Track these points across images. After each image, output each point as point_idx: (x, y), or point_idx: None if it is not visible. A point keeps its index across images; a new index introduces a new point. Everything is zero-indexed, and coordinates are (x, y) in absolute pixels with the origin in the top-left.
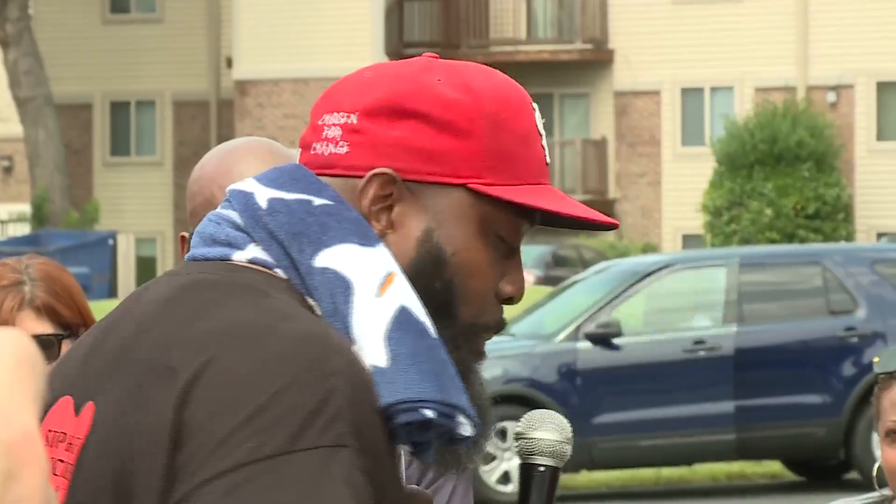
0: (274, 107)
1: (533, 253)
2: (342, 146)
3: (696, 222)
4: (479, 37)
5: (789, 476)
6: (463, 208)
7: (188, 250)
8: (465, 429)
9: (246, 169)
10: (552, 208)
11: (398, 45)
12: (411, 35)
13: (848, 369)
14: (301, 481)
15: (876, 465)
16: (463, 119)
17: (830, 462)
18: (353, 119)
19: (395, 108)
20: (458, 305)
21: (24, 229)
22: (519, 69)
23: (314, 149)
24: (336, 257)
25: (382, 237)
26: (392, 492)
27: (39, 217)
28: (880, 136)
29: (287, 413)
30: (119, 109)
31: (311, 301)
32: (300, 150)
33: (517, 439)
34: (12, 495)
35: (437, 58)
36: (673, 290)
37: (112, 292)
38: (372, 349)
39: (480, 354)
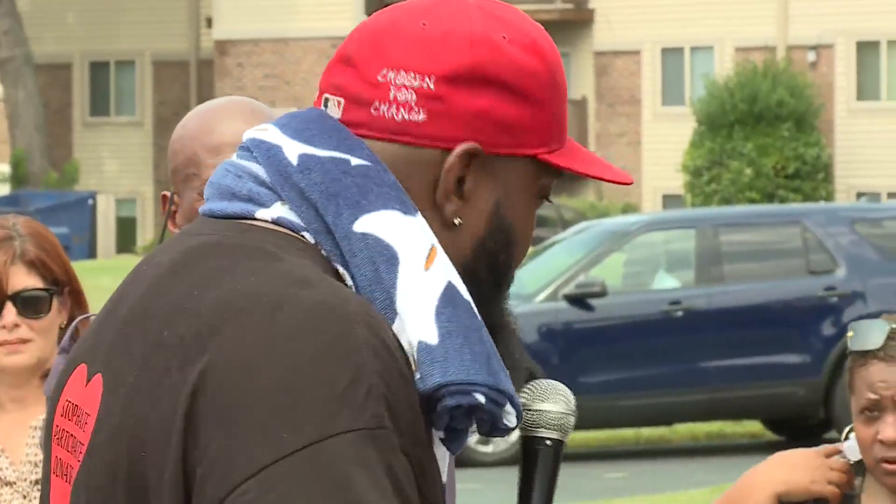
0: (254, 67)
1: None
2: (417, 113)
3: (676, 182)
4: None
5: (769, 436)
6: (528, 179)
7: (168, 210)
8: (511, 419)
9: (228, 128)
10: (606, 176)
11: (378, 4)
12: None
13: (828, 329)
14: (340, 469)
15: (846, 430)
16: (537, 87)
17: (810, 421)
18: (430, 84)
19: (476, 76)
20: (513, 275)
21: (3, 189)
22: None
23: (377, 108)
24: (378, 223)
25: (454, 212)
26: (430, 479)
27: (18, 177)
28: (860, 95)
29: (317, 395)
30: (99, 69)
31: (338, 267)
32: (332, 96)
33: None
34: None
35: None
36: (653, 251)
37: (91, 253)
38: (420, 325)
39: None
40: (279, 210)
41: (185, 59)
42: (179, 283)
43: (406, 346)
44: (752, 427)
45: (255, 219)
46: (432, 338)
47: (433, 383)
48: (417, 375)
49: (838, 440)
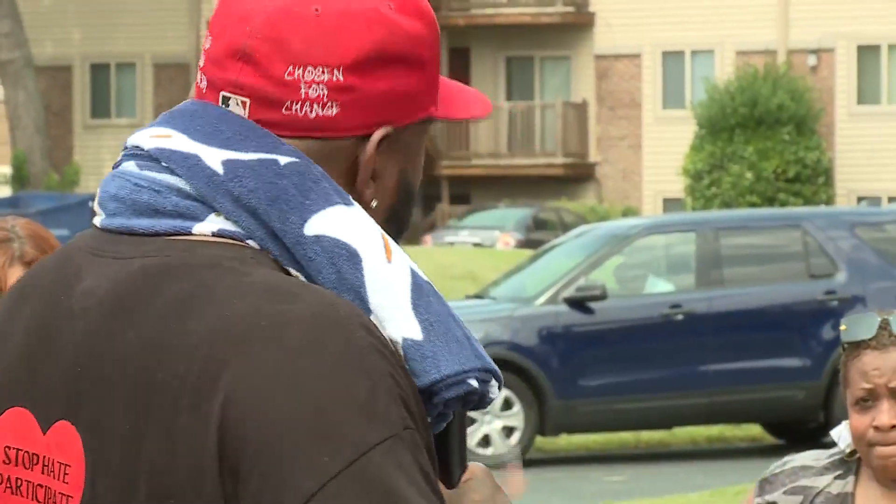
0: None
1: (514, 216)
2: (331, 107)
3: (676, 186)
4: None
5: (769, 439)
6: (422, 138)
7: None
8: (494, 390)
9: None
10: (478, 113)
11: None
12: None
13: (828, 333)
14: (384, 479)
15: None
16: (426, 50)
17: (810, 425)
18: (339, 76)
19: (379, 57)
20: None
21: (3, 191)
22: (500, 32)
23: (290, 108)
24: (328, 223)
25: (371, 195)
26: (436, 463)
27: (19, 179)
28: (861, 99)
29: (343, 411)
30: (99, 71)
31: (291, 271)
32: (234, 95)
33: None
34: None
35: None
36: (653, 254)
37: None
38: (401, 321)
39: None
40: (217, 222)
41: (186, 61)
42: (141, 316)
43: (375, 330)
44: (752, 431)
45: (190, 234)
46: (416, 333)
47: (429, 380)
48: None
49: (836, 444)
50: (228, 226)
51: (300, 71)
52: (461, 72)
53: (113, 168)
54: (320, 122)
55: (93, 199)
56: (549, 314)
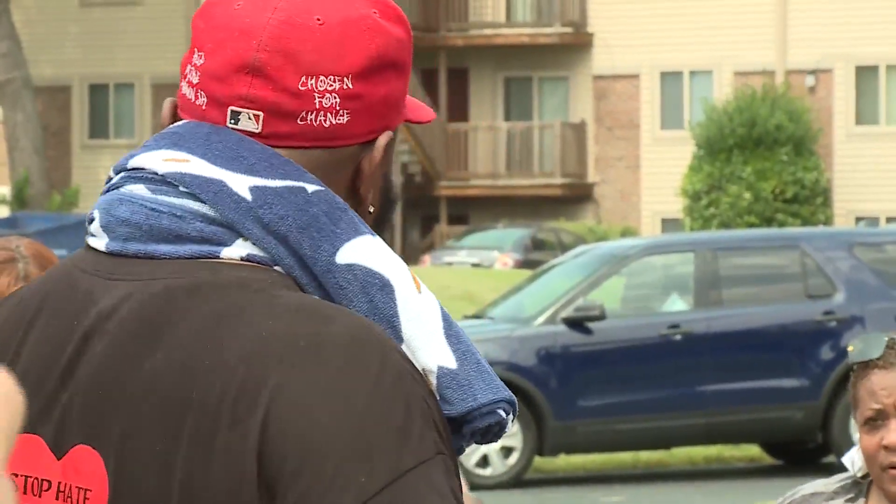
0: None
1: (512, 236)
2: (342, 115)
3: (675, 206)
4: (458, 20)
5: (767, 459)
6: (395, 139)
7: None
8: (511, 420)
9: None
10: (429, 117)
11: None
12: None
13: (826, 353)
14: (418, 502)
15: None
16: (408, 55)
17: (809, 445)
18: (349, 84)
19: (380, 64)
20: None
21: (1, 212)
22: (498, 52)
23: (304, 118)
24: (360, 252)
25: (367, 200)
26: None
27: (20, 199)
28: (859, 120)
29: (381, 433)
30: (97, 92)
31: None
32: (245, 109)
33: None
34: None
35: None
36: (652, 274)
37: None
38: (435, 350)
39: None
40: (245, 247)
41: None
42: (170, 337)
43: (406, 355)
44: (751, 451)
45: (218, 258)
46: (451, 362)
47: (466, 408)
48: (439, 398)
49: (836, 465)
50: (257, 251)
51: (313, 81)
52: (460, 92)
53: (107, 189)
54: (334, 130)
55: (92, 221)
56: (547, 334)
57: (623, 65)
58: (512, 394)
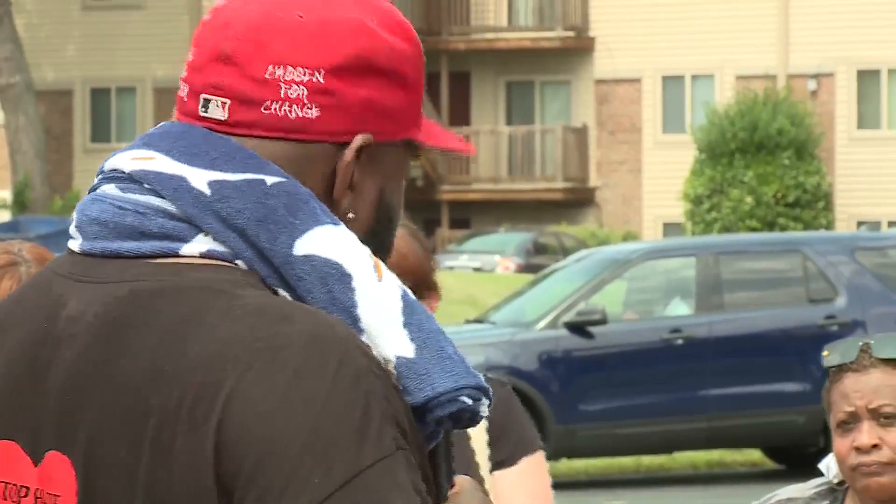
0: None
1: (514, 241)
2: (310, 108)
3: (676, 210)
4: (459, 23)
5: (769, 464)
6: (403, 160)
7: None
8: (485, 409)
9: None
10: (458, 147)
11: None
12: None
13: None
14: (377, 500)
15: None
16: (410, 70)
17: (810, 450)
18: (320, 78)
19: (361, 65)
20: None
21: (3, 216)
22: (500, 56)
23: (269, 107)
24: (318, 242)
25: (348, 205)
26: (430, 483)
27: (21, 203)
28: (861, 124)
29: (338, 432)
30: (99, 96)
31: (279, 291)
32: (214, 96)
33: None
34: None
35: None
36: (653, 279)
37: None
38: (393, 339)
39: None
40: (205, 242)
41: None
42: (134, 342)
43: (380, 362)
44: (752, 455)
45: (179, 255)
46: (409, 351)
47: (424, 397)
48: (400, 388)
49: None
50: (216, 246)
51: (280, 70)
52: (461, 96)
53: (89, 192)
54: (300, 123)
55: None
56: (549, 339)
57: (625, 69)
58: (482, 379)
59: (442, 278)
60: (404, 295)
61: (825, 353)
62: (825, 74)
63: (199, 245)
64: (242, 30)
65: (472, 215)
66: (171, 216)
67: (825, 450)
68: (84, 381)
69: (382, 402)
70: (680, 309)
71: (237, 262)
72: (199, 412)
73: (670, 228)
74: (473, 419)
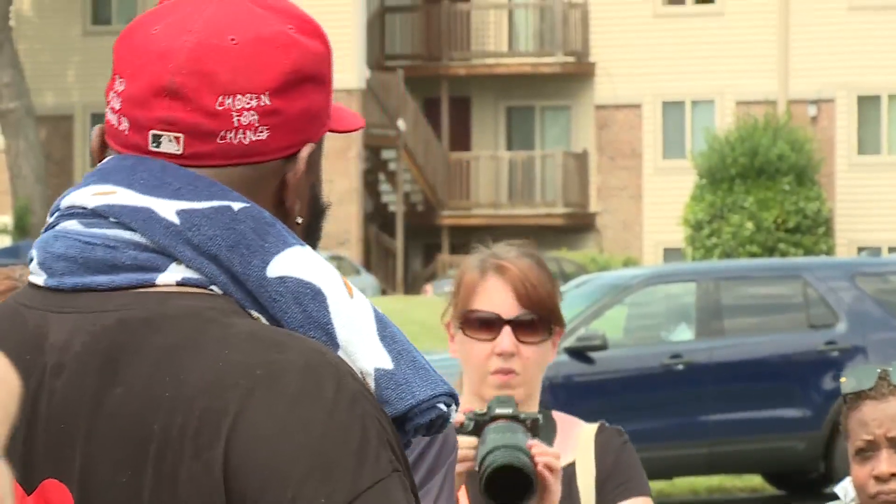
0: None
1: None
2: (262, 131)
3: (677, 236)
4: (460, 49)
5: (770, 490)
6: (321, 151)
7: None
8: (454, 413)
9: None
10: (357, 125)
11: (380, 57)
12: (393, 47)
13: (828, 383)
14: None
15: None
16: (328, 69)
17: (811, 475)
18: (266, 100)
19: (297, 78)
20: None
21: (4, 241)
22: (500, 82)
23: (224, 137)
24: (289, 264)
25: (297, 212)
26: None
27: (22, 228)
28: (861, 149)
29: (339, 455)
30: (100, 120)
31: (252, 312)
32: (165, 132)
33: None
34: None
35: None
36: (654, 304)
37: None
38: (371, 352)
39: None
40: (179, 271)
41: None
42: (128, 369)
43: (358, 376)
44: (753, 481)
45: (154, 285)
46: (387, 363)
47: (406, 406)
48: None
49: (838, 495)
50: (191, 274)
51: (230, 100)
52: (462, 121)
53: (44, 230)
54: (254, 147)
55: (31, 261)
56: (549, 364)
57: (625, 94)
58: (451, 386)
59: (442, 303)
60: (375, 310)
61: (843, 379)
62: (825, 100)
63: (174, 274)
64: (184, 62)
65: (472, 240)
66: (143, 248)
67: (826, 475)
68: (77, 408)
69: (376, 423)
70: (683, 334)
71: (212, 287)
72: (203, 437)
73: (671, 254)
74: (443, 425)
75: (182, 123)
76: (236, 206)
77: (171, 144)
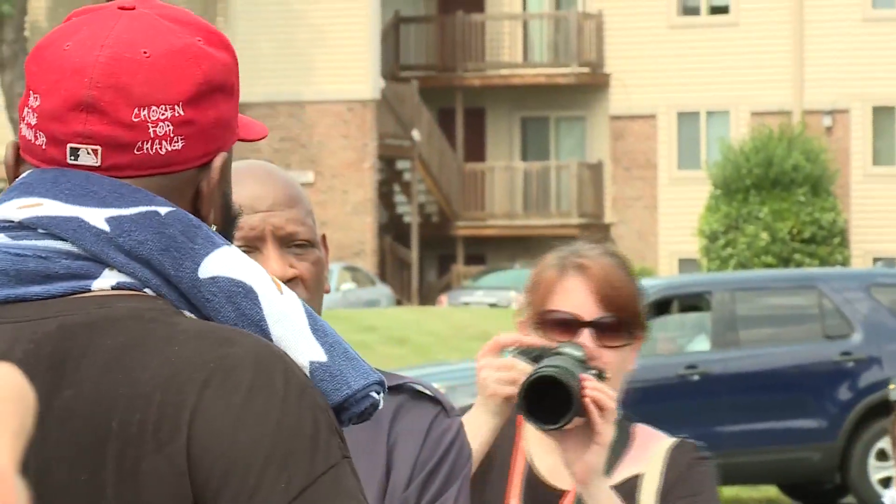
0: (270, 129)
1: (524, 277)
2: (177, 141)
3: (692, 246)
4: (474, 60)
5: (785, 500)
6: (231, 160)
7: None
8: (382, 401)
9: (244, 190)
10: (261, 133)
11: (394, 68)
12: (407, 58)
13: (844, 393)
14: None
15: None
16: (236, 79)
17: (826, 486)
18: (180, 110)
19: (208, 89)
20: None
21: None
22: (515, 92)
23: (140, 149)
24: (219, 264)
25: (213, 219)
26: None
27: None
28: (876, 160)
29: (294, 444)
30: None
31: (188, 314)
32: (83, 145)
33: None
34: None
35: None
36: (669, 315)
37: None
38: (304, 346)
39: None
40: (113, 276)
41: None
42: (77, 372)
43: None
44: (768, 492)
45: (90, 291)
46: (321, 355)
47: (342, 397)
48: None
49: None
50: (124, 278)
51: (145, 112)
52: (476, 132)
53: None
54: (170, 157)
55: None
56: None
57: (640, 105)
58: (381, 374)
59: (457, 314)
60: (304, 305)
61: (891, 385)
62: (840, 111)
63: (108, 279)
64: (99, 76)
65: (487, 251)
66: (76, 256)
67: (841, 486)
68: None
69: (324, 412)
70: (698, 345)
71: (146, 290)
72: (164, 431)
73: (686, 264)
74: (373, 413)
75: (99, 136)
76: (162, 210)
77: (89, 157)
